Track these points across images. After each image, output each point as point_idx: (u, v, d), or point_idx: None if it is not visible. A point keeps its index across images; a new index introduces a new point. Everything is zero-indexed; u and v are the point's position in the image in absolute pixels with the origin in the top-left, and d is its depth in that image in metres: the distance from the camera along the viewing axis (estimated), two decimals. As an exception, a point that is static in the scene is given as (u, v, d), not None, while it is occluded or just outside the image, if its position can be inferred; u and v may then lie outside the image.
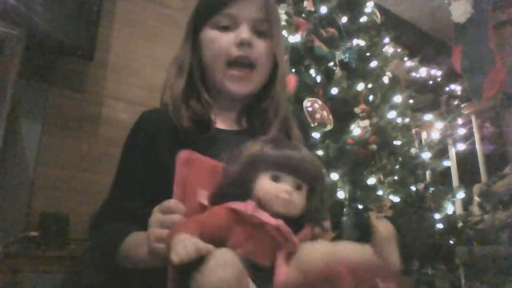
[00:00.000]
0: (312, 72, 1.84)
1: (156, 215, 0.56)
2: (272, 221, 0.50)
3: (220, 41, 0.79)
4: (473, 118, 2.99)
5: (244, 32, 0.78)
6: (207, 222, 0.50)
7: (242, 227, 0.51)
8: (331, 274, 0.46)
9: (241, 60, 0.78)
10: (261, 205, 0.53)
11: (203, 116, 0.78)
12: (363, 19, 2.11)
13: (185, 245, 0.43)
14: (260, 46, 0.80)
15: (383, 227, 0.49)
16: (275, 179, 0.54)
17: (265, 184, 0.53)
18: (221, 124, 0.83)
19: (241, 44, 0.77)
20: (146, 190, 0.75)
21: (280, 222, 0.50)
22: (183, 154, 0.60)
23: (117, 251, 0.66)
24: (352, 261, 0.47)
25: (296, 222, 0.53)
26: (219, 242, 0.48)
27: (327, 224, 0.61)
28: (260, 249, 0.50)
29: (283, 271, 0.48)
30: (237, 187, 0.54)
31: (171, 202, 0.56)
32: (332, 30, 1.96)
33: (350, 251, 0.48)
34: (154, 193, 0.66)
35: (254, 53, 0.79)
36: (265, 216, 0.51)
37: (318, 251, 0.48)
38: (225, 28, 0.79)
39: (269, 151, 0.55)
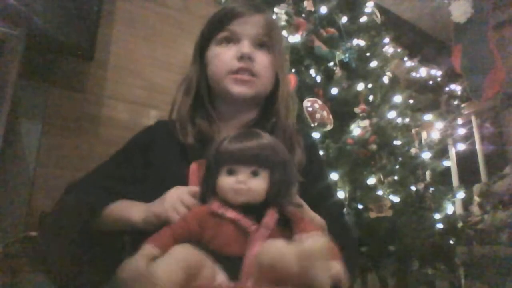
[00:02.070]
0: (312, 72, 1.84)
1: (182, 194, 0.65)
2: (231, 214, 0.57)
3: (223, 55, 0.84)
4: (473, 118, 2.99)
5: (245, 46, 0.83)
6: (180, 228, 0.59)
7: (211, 225, 0.58)
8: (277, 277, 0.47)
9: (242, 73, 0.83)
10: (225, 200, 0.59)
11: (207, 133, 0.83)
12: (363, 19, 2.11)
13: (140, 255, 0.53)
14: (261, 58, 0.84)
15: (309, 245, 0.46)
16: (230, 172, 0.59)
17: (221, 180, 0.59)
18: None
19: (242, 57, 0.82)
20: (130, 187, 0.81)
21: (237, 216, 0.57)
22: (193, 165, 0.71)
23: (101, 211, 0.73)
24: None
25: (262, 207, 0.59)
26: (196, 240, 0.57)
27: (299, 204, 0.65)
28: (227, 242, 0.56)
29: (248, 262, 0.53)
30: (207, 186, 0.62)
31: (196, 189, 0.65)
32: (332, 30, 1.96)
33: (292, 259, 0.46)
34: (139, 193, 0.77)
35: (255, 65, 0.83)
36: (228, 212, 0.58)
37: (271, 251, 0.48)
38: (227, 42, 0.85)
39: (226, 146, 0.60)
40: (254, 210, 0.58)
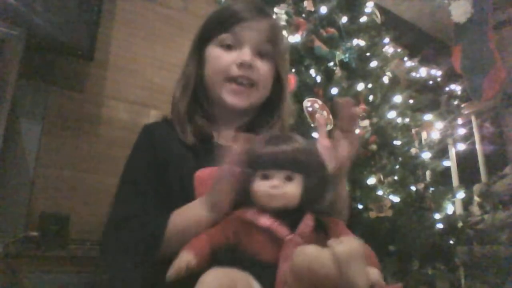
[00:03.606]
0: (312, 72, 1.84)
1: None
2: (265, 222, 0.56)
3: (222, 59, 0.82)
4: (473, 118, 2.99)
5: (245, 54, 0.81)
6: (216, 235, 0.58)
7: (246, 232, 0.57)
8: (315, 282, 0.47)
9: (241, 80, 0.81)
10: (260, 206, 0.58)
11: (205, 131, 0.82)
12: (363, 19, 2.11)
13: (177, 263, 0.53)
14: (262, 67, 0.83)
15: (343, 247, 0.45)
16: (265, 177, 0.58)
17: (256, 186, 0.58)
18: (223, 140, 0.85)
19: (242, 65, 0.80)
20: (158, 201, 0.76)
21: (272, 223, 0.55)
22: (199, 173, 0.70)
23: (164, 235, 0.67)
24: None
25: (297, 212, 0.57)
26: (234, 245, 0.57)
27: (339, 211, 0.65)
28: (262, 249, 0.55)
29: (283, 270, 0.52)
30: (242, 194, 0.61)
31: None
32: (332, 30, 1.96)
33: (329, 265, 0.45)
34: (163, 202, 0.74)
35: (254, 74, 0.82)
36: (261, 219, 0.56)
37: (306, 256, 0.48)
38: (228, 47, 0.82)
39: (261, 151, 0.59)
40: (289, 215, 0.57)
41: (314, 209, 0.59)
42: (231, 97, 0.82)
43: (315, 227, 0.57)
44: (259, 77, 0.82)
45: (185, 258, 0.53)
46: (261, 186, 0.58)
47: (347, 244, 0.45)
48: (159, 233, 0.67)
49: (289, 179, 0.57)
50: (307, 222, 0.57)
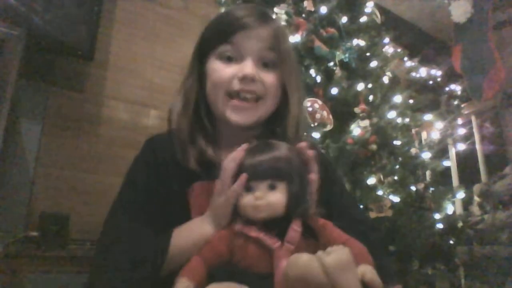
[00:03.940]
0: (312, 72, 1.84)
1: None
2: (253, 233, 0.57)
3: (222, 72, 0.76)
4: (473, 118, 2.99)
5: (247, 67, 0.74)
6: (209, 253, 0.58)
7: (238, 245, 0.58)
8: None
9: (244, 95, 0.75)
10: (248, 218, 0.59)
11: (209, 156, 0.75)
12: (363, 19, 2.11)
13: None
14: (266, 79, 0.76)
15: (331, 258, 0.45)
16: (248, 189, 0.59)
17: (241, 200, 0.59)
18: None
19: (244, 79, 0.74)
20: (155, 220, 0.73)
21: (259, 234, 0.56)
22: (196, 186, 0.70)
23: (168, 252, 0.64)
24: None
25: (284, 220, 0.58)
26: (228, 260, 0.57)
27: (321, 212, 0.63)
28: (254, 260, 0.56)
29: (277, 280, 0.53)
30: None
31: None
32: (332, 30, 1.96)
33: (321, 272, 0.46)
34: (162, 221, 0.71)
35: (259, 86, 0.76)
36: (251, 230, 0.57)
37: (299, 267, 0.48)
38: (229, 59, 0.76)
39: (242, 163, 0.60)
40: (277, 224, 0.57)
41: (302, 213, 0.59)
42: (235, 115, 0.75)
43: (304, 231, 0.57)
44: (264, 89, 0.76)
45: (181, 286, 0.53)
46: (246, 199, 0.59)
47: (335, 255, 0.46)
48: (163, 251, 0.64)
49: (271, 187, 0.58)
50: (295, 228, 0.57)
